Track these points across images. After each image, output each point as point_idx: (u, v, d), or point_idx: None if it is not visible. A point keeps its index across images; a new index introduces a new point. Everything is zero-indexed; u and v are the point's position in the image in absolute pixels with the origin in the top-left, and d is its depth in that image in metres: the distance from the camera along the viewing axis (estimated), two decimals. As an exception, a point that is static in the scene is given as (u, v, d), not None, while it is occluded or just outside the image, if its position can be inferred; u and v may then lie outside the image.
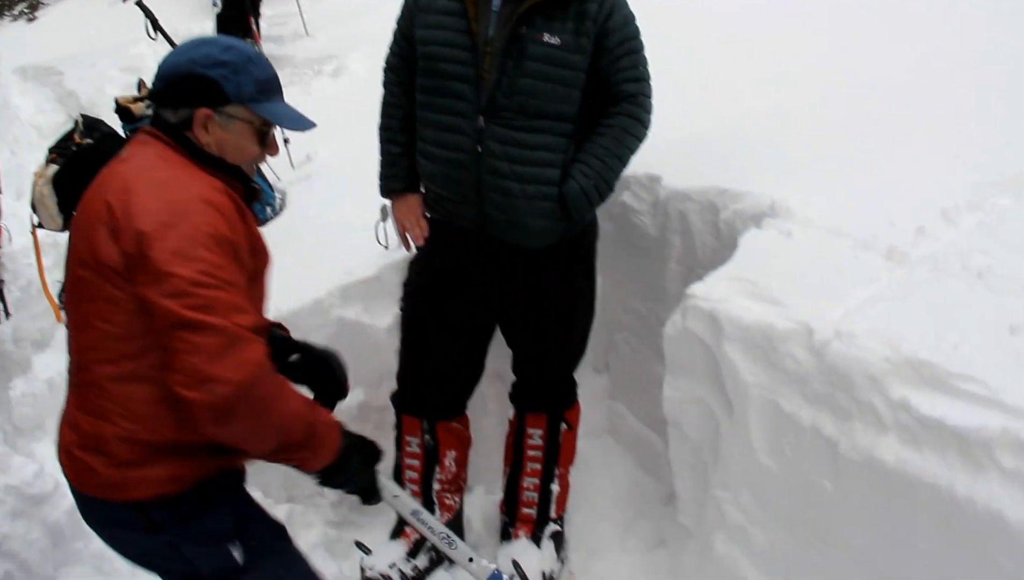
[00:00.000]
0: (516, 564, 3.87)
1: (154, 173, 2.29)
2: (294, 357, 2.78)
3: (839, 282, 3.00)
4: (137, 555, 2.56)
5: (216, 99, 2.37)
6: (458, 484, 4.14)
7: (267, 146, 2.53)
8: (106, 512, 2.42)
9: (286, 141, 6.84)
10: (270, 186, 6.43)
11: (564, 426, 4.03)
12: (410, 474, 4.04)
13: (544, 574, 3.98)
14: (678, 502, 3.71)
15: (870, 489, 2.61)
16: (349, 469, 2.54)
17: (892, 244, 3.09)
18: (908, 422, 2.49)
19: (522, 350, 3.89)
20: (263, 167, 6.51)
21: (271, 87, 2.46)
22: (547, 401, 4.04)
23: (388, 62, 3.73)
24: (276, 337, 2.72)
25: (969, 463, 2.34)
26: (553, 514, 4.11)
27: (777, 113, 4.59)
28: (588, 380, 4.96)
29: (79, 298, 2.32)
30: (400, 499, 2.84)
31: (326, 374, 2.80)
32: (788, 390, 2.86)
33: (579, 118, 3.43)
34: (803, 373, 2.80)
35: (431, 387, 3.92)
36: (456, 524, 4.15)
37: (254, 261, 2.40)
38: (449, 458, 4.04)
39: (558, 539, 4.13)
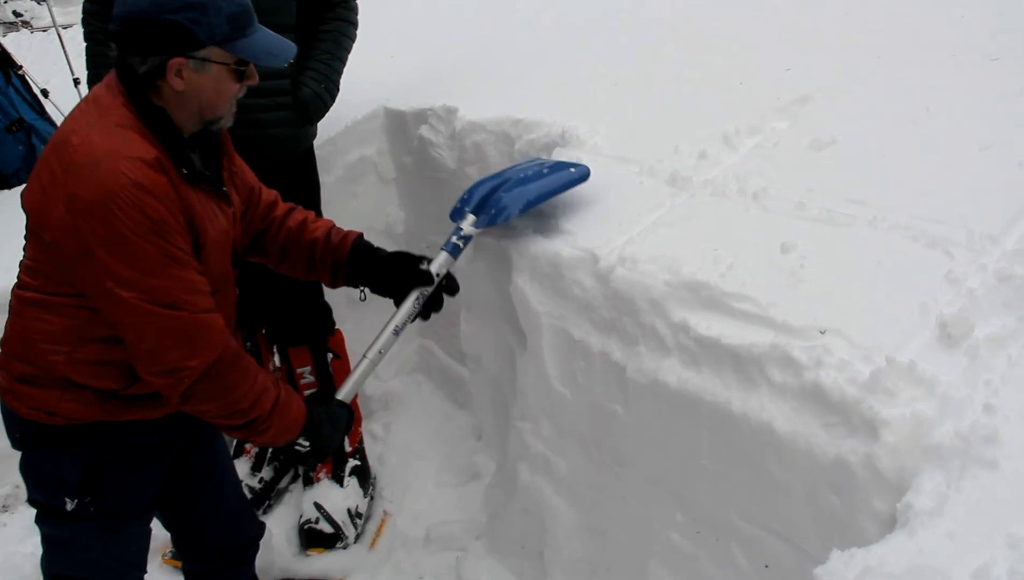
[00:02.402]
0: (318, 506, 3.88)
1: (90, 141, 2.17)
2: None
3: (624, 208, 3.04)
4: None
5: (188, 45, 2.19)
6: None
7: (245, 80, 2.36)
8: (3, 411, 2.53)
9: (76, 82, 6.53)
10: (55, 126, 6.10)
11: (331, 356, 4.02)
12: None
13: (350, 511, 3.99)
14: (484, 435, 3.73)
15: (656, 411, 2.66)
16: (320, 439, 2.62)
17: (676, 170, 3.14)
18: (688, 343, 2.54)
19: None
20: (50, 109, 6.19)
21: (244, 19, 2.27)
22: (304, 331, 4.00)
23: (87, 10, 3.61)
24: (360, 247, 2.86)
25: (743, 380, 2.40)
26: (348, 448, 4.11)
27: (569, 42, 4.62)
28: (396, 317, 4.95)
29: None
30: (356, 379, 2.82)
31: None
32: (577, 317, 2.89)
33: (297, 28, 3.50)
34: (590, 300, 2.83)
35: None
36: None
37: (198, 237, 2.34)
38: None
39: (361, 474, 4.14)
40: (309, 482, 4.08)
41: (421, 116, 4.28)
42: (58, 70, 6.93)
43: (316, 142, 3.94)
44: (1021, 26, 3.68)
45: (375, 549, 3.97)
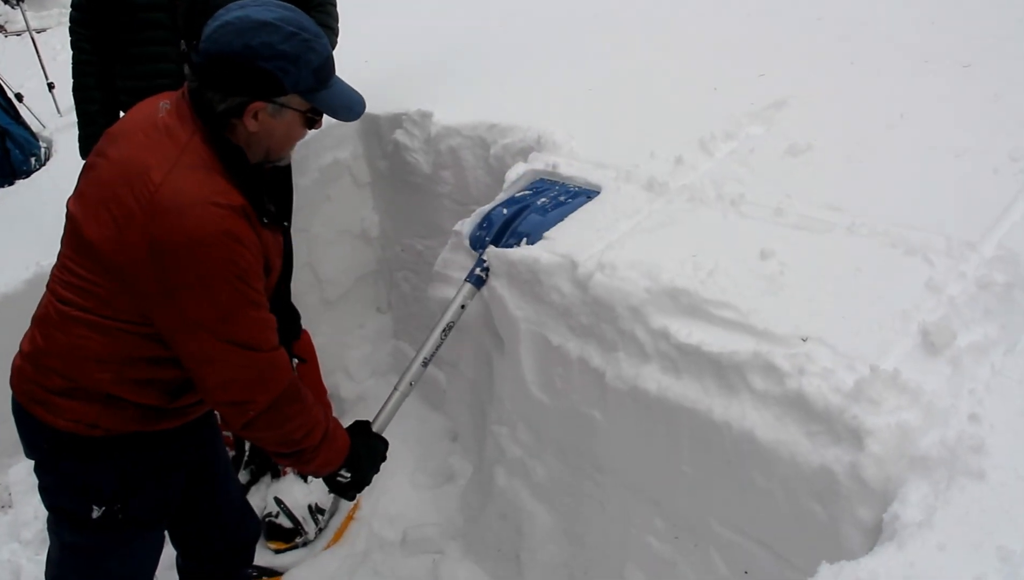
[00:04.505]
0: (279, 500, 3.90)
1: (175, 182, 2.14)
2: None
3: (602, 214, 3.03)
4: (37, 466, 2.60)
5: (272, 91, 2.21)
6: None
7: (314, 126, 2.42)
8: (26, 421, 2.48)
9: (51, 86, 6.46)
10: (33, 135, 6.03)
11: (297, 361, 4.00)
12: None
13: (311, 507, 3.99)
14: (460, 438, 3.72)
15: (636, 417, 2.66)
16: (360, 471, 2.70)
17: (652, 175, 3.14)
18: (668, 350, 2.54)
19: None
20: (25, 113, 6.12)
21: (328, 71, 2.30)
22: None
23: (73, 19, 3.59)
24: None
25: (724, 387, 2.40)
26: None
27: (544, 47, 4.61)
28: (371, 320, 4.93)
29: (74, 238, 2.31)
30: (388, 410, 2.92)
31: None
32: (555, 323, 2.88)
33: None
34: (568, 306, 2.82)
35: None
36: (240, 448, 4.15)
37: (267, 276, 2.37)
38: None
39: None
40: (277, 475, 4.09)
41: (396, 120, 4.26)
42: (32, 74, 6.86)
43: (290, 144, 3.91)
44: (992, 33, 3.72)
45: (352, 551, 3.94)
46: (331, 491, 2.73)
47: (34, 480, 2.60)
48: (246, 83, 2.18)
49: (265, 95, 2.20)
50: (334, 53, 3.55)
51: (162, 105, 2.31)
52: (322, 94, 2.29)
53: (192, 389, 2.43)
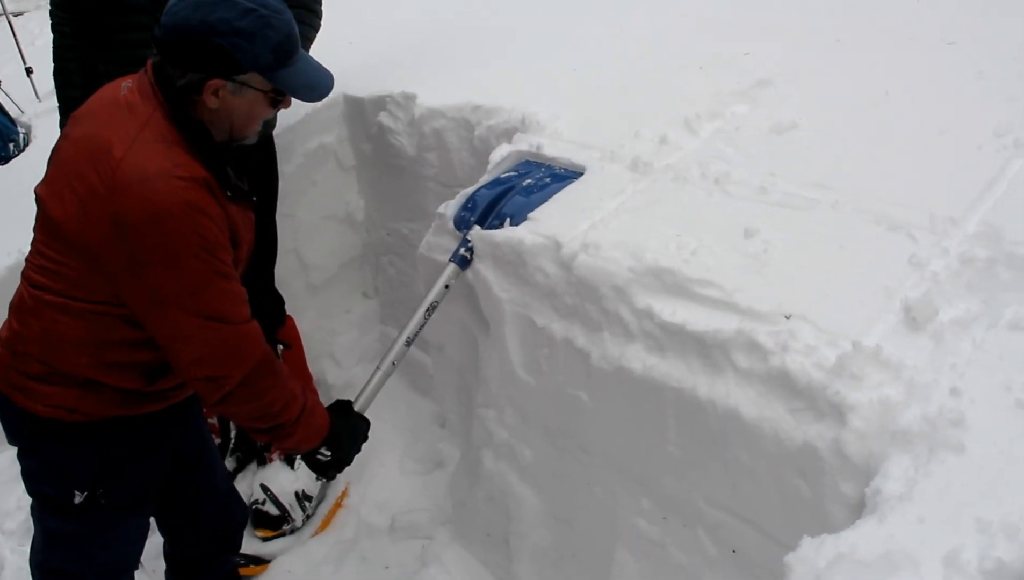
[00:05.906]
0: (265, 488, 3.90)
1: (136, 156, 2.14)
2: None
3: (586, 194, 3.02)
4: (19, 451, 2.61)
5: (230, 69, 2.20)
6: None
7: (279, 106, 2.40)
8: (6, 407, 2.49)
9: (29, 71, 6.43)
10: (12, 120, 6.01)
11: (281, 347, 3.98)
12: None
13: (298, 494, 3.98)
14: (447, 423, 3.71)
15: (622, 397, 2.65)
16: (341, 450, 2.69)
17: (637, 155, 3.13)
18: (652, 330, 2.53)
19: None
20: (2, 99, 6.11)
21: (289, 49, 2.26)
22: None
23: (53, 2, 3.57)
24: None
25: (708, 366, 2.40)
26: None
27: (528, 27, 4.60)
28: (357, 305, 4.92)
29: (42, 221, 2.33)
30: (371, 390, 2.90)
31: None
32: (540, 304, 2.87)
33: None
34: (553, 286, 2.81)
35: None
36: (225, 435, 4.15)
37: (236, 250, 2.36)
38: None
39: None
40: (263, 462, 4.09)
41: (380, 103, 4.24)
42: (9, 59, 6.82)
43: (275, 130, 3.89)
44: (976, 10, 3.72)
45: (340, 538, 3.95)
46: (312, 470, 2.72)
47: (16, 470, 2.61)
48: (203, 59, 2.17)
49: (223, 73, 2.19)
50: (317, 36, 3.53)
51: (124, 85, 2.30)
52: (282, 73, 2.26)
53: (171, 372, 2.42)
